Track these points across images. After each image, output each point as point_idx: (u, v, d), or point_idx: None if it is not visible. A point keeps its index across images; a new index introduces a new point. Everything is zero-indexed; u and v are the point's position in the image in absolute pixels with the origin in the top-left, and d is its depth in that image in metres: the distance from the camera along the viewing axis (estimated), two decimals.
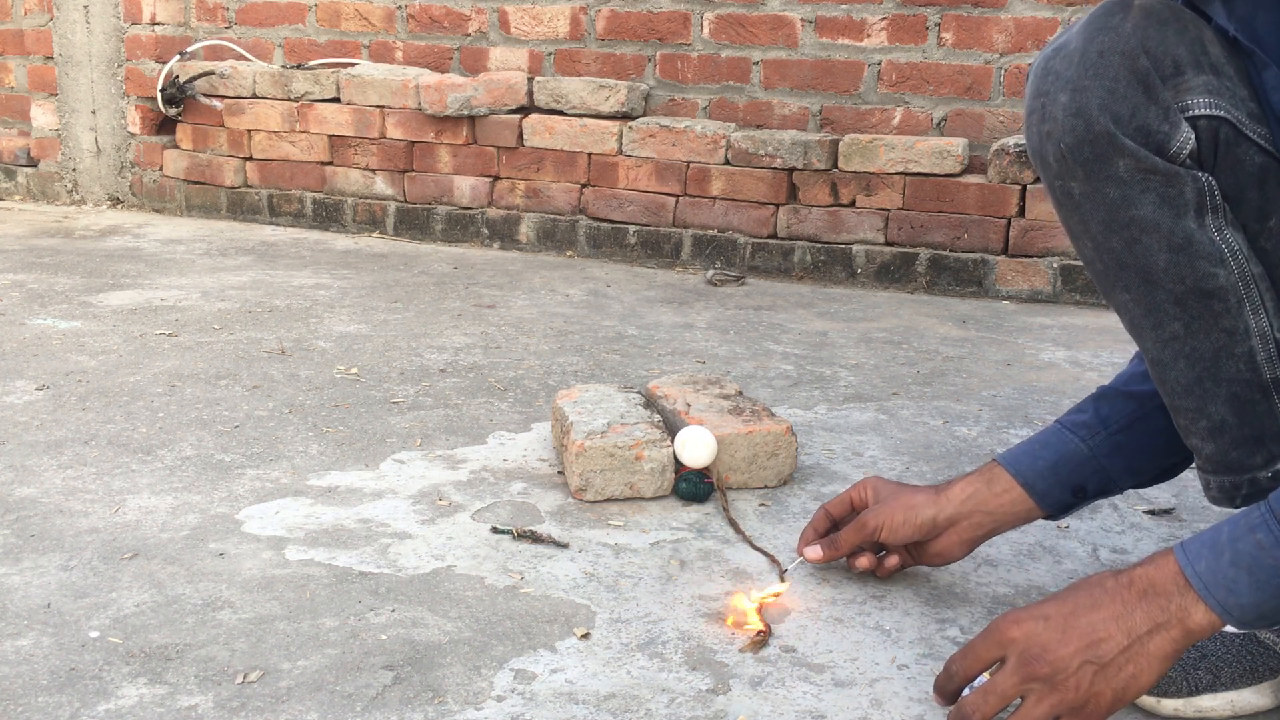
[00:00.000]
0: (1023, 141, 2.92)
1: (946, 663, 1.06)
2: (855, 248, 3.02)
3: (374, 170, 3.54)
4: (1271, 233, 1.03)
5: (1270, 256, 1.04)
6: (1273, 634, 1.11)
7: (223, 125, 3.70)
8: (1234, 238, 1.03)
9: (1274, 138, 1.00)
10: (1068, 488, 1.25)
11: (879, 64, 3.11)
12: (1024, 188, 2.86)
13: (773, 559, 1.43)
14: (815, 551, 1.35)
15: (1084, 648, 0.96)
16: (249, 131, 3.67)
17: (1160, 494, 1.62)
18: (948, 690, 1.05)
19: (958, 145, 2.90)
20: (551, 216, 3.33)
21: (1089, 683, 0.96)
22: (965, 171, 2.94)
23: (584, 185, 3.29)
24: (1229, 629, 1.11)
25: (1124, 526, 1.55)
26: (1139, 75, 0.99)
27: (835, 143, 3.01)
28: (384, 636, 1.23)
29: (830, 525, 1.38)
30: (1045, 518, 1.29)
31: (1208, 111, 1.00)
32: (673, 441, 1.60)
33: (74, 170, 3.98)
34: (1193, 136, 1.00)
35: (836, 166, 3.01)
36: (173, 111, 3.77)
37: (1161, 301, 1.06)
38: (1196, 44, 1.00)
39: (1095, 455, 1.24)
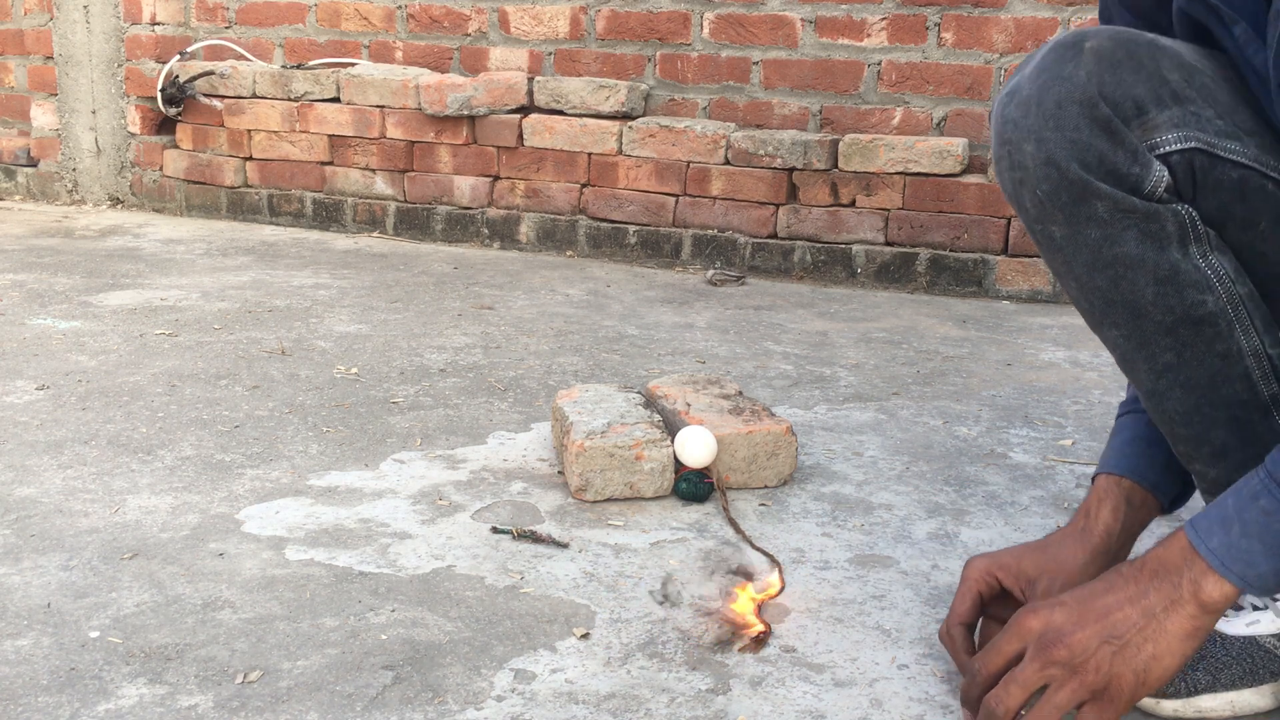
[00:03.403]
0: None
1: (967, 666, 1.05)
2: (855, 248, 3.02)
3: (374, 170, 3.54)
4: (1264, 235, 1.03)
5: (1267, 259, 1.04)
6: (1272, 638, 1.11)
7: (223, 125, 3.70)
8: (1219, 262, 1.03)
9: (1260, 94, 0.99)
10: (1179, 478, 1.20)
11: (879, 64, 3.11)
12: None
13: (773, 559, 1.43)
14: None
15: (1101, 629, 0.96)
16: (249, 131, 3.67)
17: None
18: (973, 696, 1.03)
19: (958, 145, 2.90)
20: (551, 216, 3.33)
21: (1109, 663, 0.95)
22: (965, 171, 2.94)
23: (584, 185, 3.29)
24: (1228, 631, 1.12)
25: None
26: (1101, 123, 0.98)
27: (835, 143, 3.01)
28: (384, 636, 1.23)
29: (972, 633, 1.19)
30: (1159, 514, 1.22)
31: (1179, 146, 0.99)
32: (673, 441, 1.60)
33: (74, 170, 3.98)
34: (1166, 172, 0.99)
35: (836, 166, 3.01)
36: (173, 111, 3.77)
37: (1152, 333, 1.05)
38: (1154, 78, 0.99)
39: None
